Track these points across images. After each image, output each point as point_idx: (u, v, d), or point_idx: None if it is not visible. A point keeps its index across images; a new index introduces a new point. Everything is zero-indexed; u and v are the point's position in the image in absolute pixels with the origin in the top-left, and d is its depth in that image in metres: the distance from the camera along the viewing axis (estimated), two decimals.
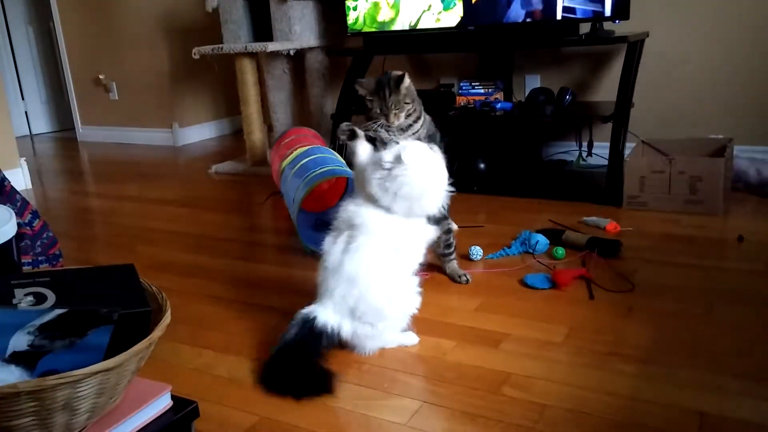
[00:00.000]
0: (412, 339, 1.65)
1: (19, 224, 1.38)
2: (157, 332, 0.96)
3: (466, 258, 2.17)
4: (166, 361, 1.65)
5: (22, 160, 3.74)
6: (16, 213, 2.02)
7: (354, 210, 1.60)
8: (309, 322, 1.55)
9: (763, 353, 1.51)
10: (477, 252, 2.17)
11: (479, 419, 1.33)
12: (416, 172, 1.54)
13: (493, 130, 3.28)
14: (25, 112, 5.71)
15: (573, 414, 1.32)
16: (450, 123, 3.51)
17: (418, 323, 1.72)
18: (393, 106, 1.90)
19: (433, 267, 2.08)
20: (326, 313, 1.56)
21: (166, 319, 0.99)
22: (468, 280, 1.99)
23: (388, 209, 1.57)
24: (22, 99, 5.67)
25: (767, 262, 2.01)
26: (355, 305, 1.55)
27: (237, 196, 3.23)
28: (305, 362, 1.51)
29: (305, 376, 1.49)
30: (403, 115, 1.93)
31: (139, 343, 0.93)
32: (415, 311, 1.63)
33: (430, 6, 3.06)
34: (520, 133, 3.28)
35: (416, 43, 3.21)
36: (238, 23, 3.63)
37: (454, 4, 3.00)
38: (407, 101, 1.93)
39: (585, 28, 2.82)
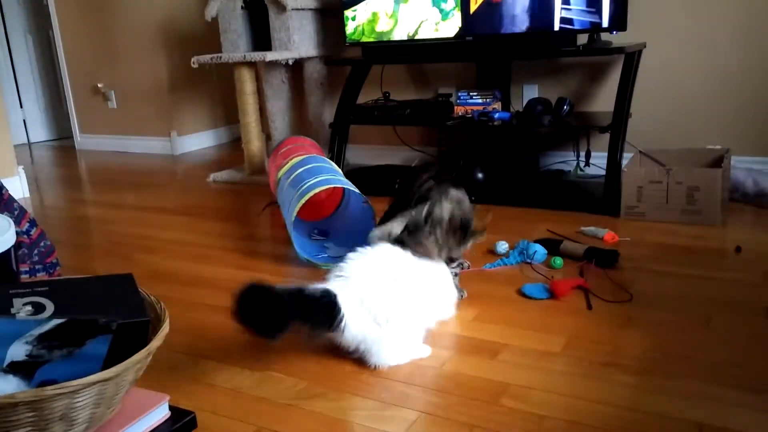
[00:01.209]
0: (425, 351, 1.64)
1: (16, 233, 1.38)
2: (156, 342, 0.96)
3: (492, 252, 2.26)
4: (164, 371, 1.64)
5: (20, 168, 3.74)
6: (13, 221, 2.01)
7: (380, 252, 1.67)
8: (330, 296, 1.51)
9: (762, 364, 1.51)
10: (503, 247, 2.26)
11: (477, 430, 1.32)
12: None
13: (491, 140, 3.28)
14: (24, 120, 5.71)
15: (571, 424, 1.32)
16: (448, 133, 3.52)
17: None
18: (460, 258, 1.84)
19: None
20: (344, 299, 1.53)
21: (165, 329, 0.99)
22: (464, 295, 1.98)
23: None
24: (21, 107, 5.68)
25: (765, 272, 2.02)
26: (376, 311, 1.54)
27: (235, 205, 3.23)
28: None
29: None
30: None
31: (138, 353, 0.93)
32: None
33: (427, 18, 3.08)
34: (517, 143, 3.29)
35: (415, 53, 3.23)
36: (237, 32, 3.65)
37: (452, 15, 3.01)
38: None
39: (583, 39, 2.84)
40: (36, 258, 2.13)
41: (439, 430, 1.34)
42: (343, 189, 2.67)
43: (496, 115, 3.01)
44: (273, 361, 1.66)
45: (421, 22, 3.11)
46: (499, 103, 3.17)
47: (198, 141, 4.92)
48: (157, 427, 1.03)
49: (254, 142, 3.73)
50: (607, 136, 2.75)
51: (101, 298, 1.01)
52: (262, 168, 3.74)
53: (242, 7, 3.61)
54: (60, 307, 0.97)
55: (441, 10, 3.05)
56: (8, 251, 1.13)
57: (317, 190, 2.24)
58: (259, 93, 3.76)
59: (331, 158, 3.30)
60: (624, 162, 2.75)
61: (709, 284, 1.96)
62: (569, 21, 2.77)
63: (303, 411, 1.43)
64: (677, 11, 2.97)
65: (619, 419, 1.33)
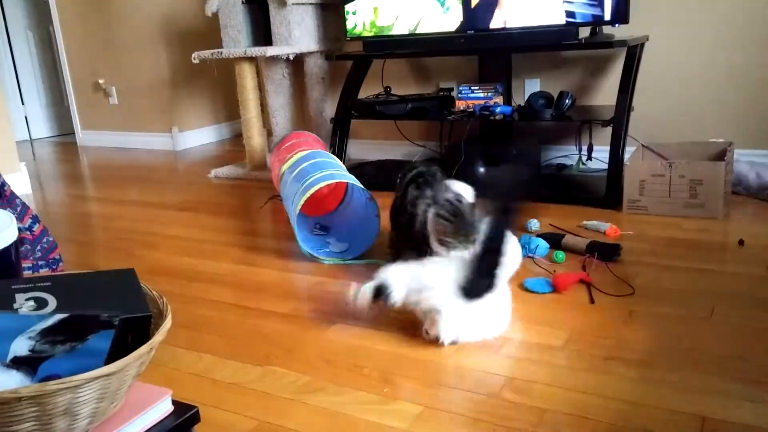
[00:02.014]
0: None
1: (19, 229, 1.38)
2: (158, 337, 0.96)
3: (522, 229, 2.42)
4: (167, 366, 1.64)
5: (22, 165, 3.75)
6: (16, 217, 2.01)
7: None
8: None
9: (765, 357, 1.50)
10: (535, 224, 2.43)
11: (480, 423, 1.32)
12: None
13: (493, 134, 3.28)
14: (25, 117, 5.71)
15: (573, 418, 1.32)
16: (449, 127, 3.51)
17: (416, 328, 1.72)
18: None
19: None
20: None
21: (167, 323, 0.99)
22: None
23: None
24: (22, 103, 5.68)
25: None
26: None
27: (236, 201, 3.23)
28: None
29: None
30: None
31: (140, 348, 0.93)
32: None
33: (424, 15, 3.07)
34: (519, 137, 3.28)
35: (416, 47, 3.22)
36: (237, 28, 3.64)
37: (453, 8, 3.00)
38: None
39: (585, 32, 2.83)
40: (39, 254, 2.13)
41: (442, 423, 1.34)
42: (346, 185, 2.67)
43: (498, 110, 3.00)
44: (275, 355, 1.66)
45: (422, 16, 3.11)
46: (501, 97, 3.16)
47: (199, 137, 4.92)
48: (161, 421, 1.03)
49: (255, 138, 3.72)
50: (609, 130, 2.74)
51: (103, 294, 1.01)
52: (263, 163, 3.74)
53: (243, 2, 3.61)
54: (62, 303, 0.97)
55: (442, 4, 3.04)
56: (10, 247, 1.13)
57: (323, 184, 2.24)
58: (260, 88, 3.76)
59: (333, 153, 3.30)
60: (626, 156, 2.75)
61: (712, 278, 1.96)
62: (571, 14, 2.76)
63: (305, 405, 1.43)
64: (679, 4, 2.96)
65: (621, 412, 1.33)
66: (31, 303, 0.96)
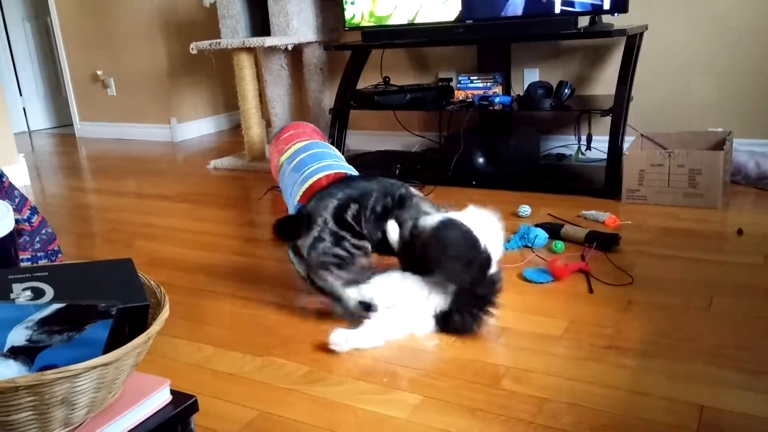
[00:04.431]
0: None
1: (17, 220, 1.38)
2: (156, 327, 0.96)
3: (515, 215, 2.47)
4: (166, 357, 1.65)
5: (21, 156, 3.74)
6: (14, 209, 2.01)
7: None
8: None
9: (763, 346, 1.51)
10: (526, 209, 2.48)
11: (479, 413, 1.33)
12: None
13: (492, 124, 3.27)
14: (23, 108, 5.70)
15: (572, 407, 1.32)
16: (449, 117, 3.50)
17: None
18: None
19: None
20: None
21: (165, 313, 0.99)
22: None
23: None
24: (20, 95, 5.66)
25: (766, 255, 2.01)
26: None
27: (235, 192, 3.23)
28: None
29: None
30: None
31: (138, 338, 0.93)
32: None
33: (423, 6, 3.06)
34: (518, 127, 3.27)
35: (414, 37, 3.21)
36: (235, 18, 3.63)
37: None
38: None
39: (584, 21, 2.82)
40: (38, 245, 2.13)
41: (440, 413, 1.34)
42: (345, 175, 2.66)
43: (497, 100, 2.99)
44: (274, 346, 1.66)
45: (421, 5, 3.09)
46: (500, 87, 3.15)
47: (198, 128, 4.91)
48: (159, 410, 1.03)
49: (254, 129, 3.72)
50: (608, 120, 2.74)
51: (101, 283, 1.01)
52: (262, 154, 3.73)
53: None
54: (60, 292, 0.96)
55: None
56: (7, 237, 1.13)
57: (321, 175, 2.23)
58: (259, 79, 3.75)
59: (332, 144, 3.29)
60: (625, 145, 2.74)
61: (711, 267, 1.95)
62: (570, 3, 2.75)
63: (305, 395, 1.43)
64: None
65: (619, 402, 1.33)
66: (29, 293, 0.95)
